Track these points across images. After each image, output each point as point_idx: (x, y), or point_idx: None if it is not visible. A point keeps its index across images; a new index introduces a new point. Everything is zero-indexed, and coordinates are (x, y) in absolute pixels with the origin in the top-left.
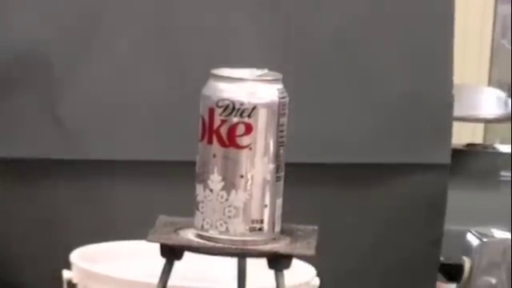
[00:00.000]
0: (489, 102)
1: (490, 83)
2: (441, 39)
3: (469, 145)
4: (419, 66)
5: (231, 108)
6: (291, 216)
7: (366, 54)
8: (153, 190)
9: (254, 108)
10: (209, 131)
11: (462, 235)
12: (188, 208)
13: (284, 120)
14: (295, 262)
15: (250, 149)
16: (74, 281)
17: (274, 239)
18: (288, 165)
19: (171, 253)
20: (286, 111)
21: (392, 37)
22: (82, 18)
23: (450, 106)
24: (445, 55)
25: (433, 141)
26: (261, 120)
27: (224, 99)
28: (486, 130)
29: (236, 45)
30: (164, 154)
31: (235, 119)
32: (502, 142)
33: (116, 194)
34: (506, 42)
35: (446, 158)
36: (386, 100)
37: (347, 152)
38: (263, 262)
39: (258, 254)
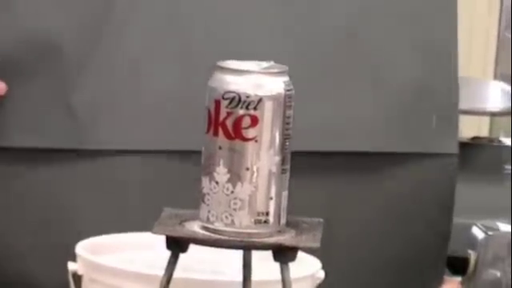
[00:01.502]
0: (494, 96)
1: (496, 77)
2: (445, 33)
3: (475, 138)
4: (425, 59)
5: (237, 100)
6: (297, 205)
7: (375, 47)
8: (161, 180)
9: (260, 100)
10: (214, 123)
11: (467, 229)
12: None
13: (290, 112)
14: (300, 254)
15: (256, 141)
16: (80, 272)
17: (280, 232)
18: (296, 153)
19: (176, 245)
20: (292, 103)
21: (399, 30)
22: (94, 8)
23: (455, 97)
24: (449, 48)
25: (440, 131)
26: (267, 112)
27: (230, 91)
28: (491, 123)
29: (245, 41)
30: (175, 144)
31: (241, 111)
32: (507, 136)
33: (124, 186)
34: (508, 34)
35: (454, 148)
36: (393, 91)
37: (356, 141)
38: (269, 254)
39: (264, 247)
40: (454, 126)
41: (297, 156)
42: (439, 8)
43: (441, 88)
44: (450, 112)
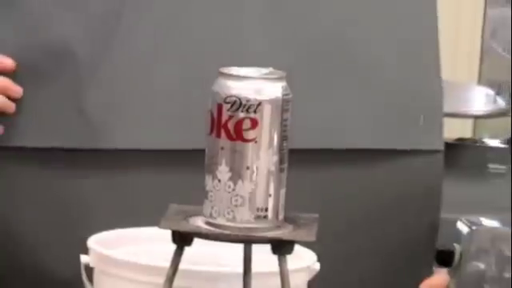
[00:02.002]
0: (478, 99)
1: (480, 82)
2: (428, 40)
3: (459, 139)
4: (411, 62)
5: (238, 104)
6: (293, 199)
7: (365, 52)
8: (169, 178)
9: (260, 104)
10: (217, 125)
11: (453, 223)
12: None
13: (287, 115)
14: (297, 247)
15: (256, 142)
16: (91, 265)
17: (278, 226)
18: (293, 150)
19: (182, 239)
20: (290, 107)
21: (387, 37)
22: (104, 16)
23: (440, 98)
24: (433, 54)
25: (427, 129)
26: (266, 115)
27: (231, 96)
28: (475, 126)
29: (244, 44)
30: (180, 144)
31: (242, 114)
32: (491, 137)
33: (134, 183)
34: (494, 43)
35: (439, 145)
36: (382, 92)
37: (348, 138)
38: (267, 247)
39: (263, 241)
40: (439, 124)
41: (292, 153)
42: (422, 17)
43: (426, 89)
44: (435, 112)
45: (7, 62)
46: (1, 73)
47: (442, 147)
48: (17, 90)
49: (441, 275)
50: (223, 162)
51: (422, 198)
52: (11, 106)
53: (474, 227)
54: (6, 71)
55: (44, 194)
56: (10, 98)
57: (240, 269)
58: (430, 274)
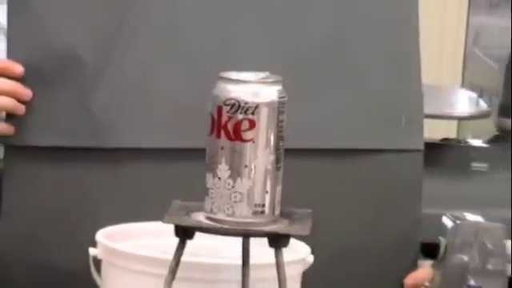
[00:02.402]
0: (462, 102)
1: (463, 85)
2: (410, 48)
3: (444, 139)
4: (395, 69)
5: (237, 106)
6: (287, 196)
7: (352, 59)
8: (172, 175)
9: (257, 106)
10: (217, 127)
11: (438, 218)
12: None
13: (283, 117)
14: (292, 241)
15: (254, 142)
16: (99, 257)
17: (274, 221)
18: (288, 150)
19: (184, 233)
20: (285, 109)
21: (372, 44)
22: (108, 24)
23: (420, 100)
24: (414, 61)
25: (408, 130)
26: (263, 117)
27: (231, 98)
28: (459, 126)
29: (241, 50)
30: (181, 142)
31: (240, 116)
32: (474, 137)
33: (138, 180)
34: (476, 49)
35: (420, 145)
36: (367, 97)
37: (336, 139)
38: (264, 241)
39: (260, 234)
40: (420, 125)
41: (287, 153)
42: (405, 26)
43: (408, 94)
44: (416, 114)
45: (17, 68)
46: (11, 77)
47: (421, 147)
48: (26, 93)
49: (425, 269)
50: (223, 160)
51: (404, 194)
52: (21, 108)
53: (458, 221)
54: (15, 76)
55: (53, 190)
56: (19, 100)
57: (239, 261)
58: (414, 266)
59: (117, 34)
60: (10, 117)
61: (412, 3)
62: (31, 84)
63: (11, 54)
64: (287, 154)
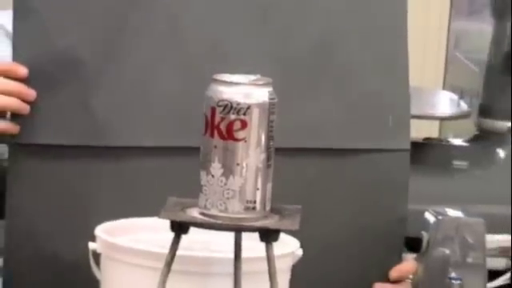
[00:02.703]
0: (444, 103)
1: (445, 87)
2: (398, 52)
3: (427, 138)
4: (383, 71)
5: (229, 107)
6: (278, 193)
7: (340, 61)
8: (168, 173)
9: (249, 107)
10: (211, 127)
11: (421, 214)
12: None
13: (273, 117)
14: (282, 235)
15: (245, 141)
16: (98, 251)
17: (265, 217)
18: (278, 149)
19: (179, 228)
20: (275, 110)
21: (360, 46)
22: (109, 28)
23: (407, 101)
24: (402, 63)
25: (395, 131)
26: (254, 117)
27: (223, 100)
28: (441, 126)
29: (235, 54)
30: (177, 141)
31: (233, 116)
32: (455, 136)
33: (136, 177)
34: (457, 53)
35: (406, 145)
36: (356, 97)
37: (325, 139)
38: (256, 235)
39: (252, 229)
40: (407, 126)
41: (277, 151)
42: (393, 32)
43: (395, 96)
44: (403, 115)
45: (21, 70)
46: (16, 79)
47: (408, 146)
48: (30, 94)
49: (409, 262)
50: (216, 159)
51: (391, 191)
52: (25, 108)
53: (440, 217)
54: (20, 77)
55: (55, 187)
56: (24, 100)
57: (231, 254)
58: (399, 260)
59: (117, 38)
60: (15, 116)
61: (401, 10)
62: (35, 85)
63: (16, 56)
64: (277, 153)
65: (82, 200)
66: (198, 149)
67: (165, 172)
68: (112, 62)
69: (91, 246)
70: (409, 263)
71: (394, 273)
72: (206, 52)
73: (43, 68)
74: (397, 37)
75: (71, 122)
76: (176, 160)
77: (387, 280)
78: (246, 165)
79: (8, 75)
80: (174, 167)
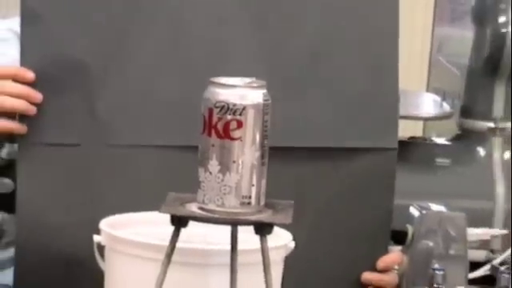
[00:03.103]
0: (427, 104)
1: (428, 89)
2: (388, 52)
3: (411, 138)
4: (373, 74)
5: (226, 108)
6: (272, 189)
7: (332, 64)
8: (168, 169)
9: (244, 108)
10: (208, 126)
11: (406, 208)
12: (194, 185)
13: (267, 117)
14: (276, 229)
15: (241, 140)
16: (103, 243)
17: (260, 211)
18: (272, 148)
19: (179, 221)
20: (269, 111)
21: (352, 50)
22: (113, 32)
23: (396, 103)
24: (392, 65)
25: (384, 130)
26: (249, 118)
27: (220, 101)
28: (425, 126)
29: (231, 57)
30: (176, 140)
31: (229, 117)
32: (438, 136)
33: (138, 174)
34: (440, 57)
35: (394, 144)
36: (346, 98)
37: (316, 138)
38: (251, 228)
39: (247, 223)
40: (395, 126)
41: (271, 150)
42: (385, 34)
43: (385, 96)
44: (392, 115)
45: (28, 74)
46: (24, 82)
47: (396, 146)
48: (37, 96)
49: (395, 253)
50: (214, 157)
51: (379, 188)
52: (32, 109)
53: (424, 211)
54: (27, 81)
55: (61, 183)
56: (31, 102)
57: (228, 246)
58: (386, 251)
59: (120, 42)
60: (23, 117)
61: (392, 15)
62: (42, 87)
63: (24, 61)
64: (271, 151)
65: (87, 195)
66: (196, 147)
67: (165, 169)
68: (115, 65)
69: (96, 238)
70: (394, 254)
71: (380, 263)
72: (204, 56)
73: (49, 72)
74: (387, 41)
75: (76, 122)
76: (176, 158)
77: (375, 270)
78: (242, 162)
79: (16, 79)
80: (173, 165)
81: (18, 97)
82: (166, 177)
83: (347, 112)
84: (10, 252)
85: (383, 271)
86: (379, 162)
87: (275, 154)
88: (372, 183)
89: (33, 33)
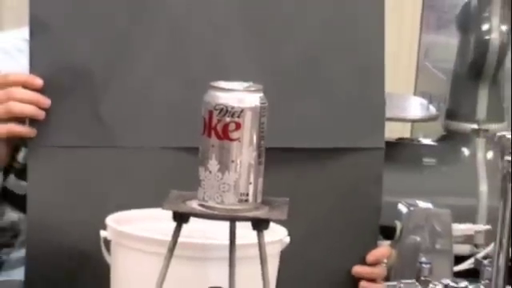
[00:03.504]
0: (414, 107)
1: (416, 93)
2: (375, 58)
3: (400, 139)
4: (360, 77)
5: (225, 111)
6: (268, 187)
7: (323, 69)
8: (169, 169)
9: (242, 111)
10: (208, 128)
11: (395, 205)
12: (195, 183)
13: (264, 120)
14: (272, 224)
15: (239, 141)
16: (109, 238)
17: (257, 208)
18: (266, 149)
19: (180, 218)
20: (266, 113)
21: (341, 56)
22: (116, 41)
23: (382, 105)
24: (378, 69)
25: (371, 131)
26: (247, 120)
27: (220, 104)
28: (412, 128)
29: (228, 63)
30: (178, 142)
31: (228, 119)
32: (424, 137)
33: (141, 173)
34: (427, 62)
35: (381, 144)
36: (337, 101)
37: (309, 139)
38: (248, 224)
39: (245, 219)
40: (382, 128)
41: (267, 150)
42: (371, 42)
43: (372, 99)
44: (379, 117)
45: (37, 81)
46: (33, 89)
47: (383, 145)
48: (45, 102)
49: (384, 247)
50: (213, 156)
51: (368, 185)
52: (41, 114)
53: (411, 208)
54: (36, 88)
55: (69, 183)
56: (40, 107)
57: (226, 241)
58: (375, 246)
59: (123, 50)
60: (32, 121)
61: (378, 24)
62: (50, 93)
63: (33, 69)
64: (267, 152)
65: (94, 194)
66: (196, 148)
67: (167, 169)
68: (119, 71)
69: (102, 233)
70: (383, 248)
71: (370, 257)
72: (203, 62)
73: (57, 79)
74: (374, 47)
75: (82, 125)
76: (177, 158)
77: (365, 263)
78: (240, 162)
79: (26, 86)
80: (175, 164)
81: (27, 102)
82: (168, 176)
83: (337, 114)
84: None
85: (373, 264)
86: (368, 160)
87: (271, 155)
88: (361, 181)
89: (41, 42)
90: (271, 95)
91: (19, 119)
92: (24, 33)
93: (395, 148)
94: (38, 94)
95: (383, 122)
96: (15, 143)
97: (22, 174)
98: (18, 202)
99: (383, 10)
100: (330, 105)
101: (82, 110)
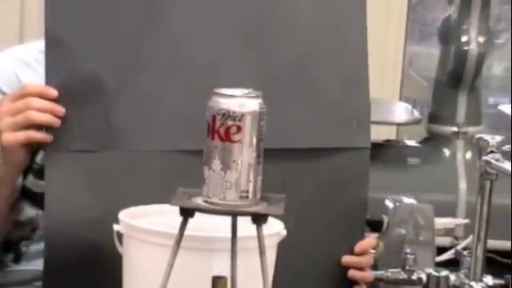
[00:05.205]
0: (400, 111)
1: (401, 99)
2: (360, 66)
3: (386, 140)
4: (346, 83)
5: (227, 115)
6: (265, 185)
7: (312, 74)
8: (176, 170)
9: (243, 115)
10: (212, 131)
11: (382, 201)
12: (199, 182)
13: (263, 123)
14: (270, 219)
15: (240, 143)
16: (121, 232)
17: (256, 204)
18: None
19: (187, 213)
20: (264, 117)
21: (329, 63)
22: (125, 53)
23: (367, 108)
24: (362, 76)
25: (358, 132)
26: (247, 123)
27: (222, 109)
28: (398, 130)
29: (225, 72)
30: (184, 145)
31: (230, 122)
32: (409, 139)
33: (150, 173)
34: (411, 71)
35: (367, 143)
36: (325, 105)
37: (300, 140)
38: (248, 218)
39: (245, 214)
40: (367, 128)
41: (265, 151)
42: (357, 50)
43: (358, 103)
44: (365, 119)
45: (52, 91)
46: (48, 99)
47: (369, 145)
48: (60, 110)
49: (370, 239)
50: (216, 157)
51: (355, 182)
52: (57, 122)
53: (397, 203)
54: (51, 98)
55: (84, 184)
56: (55, 115)
57: (228, 234)
58: (362, 237)
59: (132, 62)
60: (49, 128)
61: (361, 34)
62: (65, 101)
63: (48, 80)
64: (265, 152)
65: (107, 192)
66: (200, 150)
67: (174, 169)
68: (128, 81)
69: (115, 227)
70: (369, 239)
71: (357, 248)
72: (204, 71)
73: (71, 88)
74: (358, 56)
75: (95, 131)
76: (183, 159)
77: (353, 254)
78: (241, 161)
79: (42, 96)
80: (181, 165)
81: (44, 111)
82: (175, 175)
83: (326, 117)
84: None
85: (360, 254)
86: (355, 159)
87: (267, 155)
88: (349, 178)
89: (56, 55)
90: (263, 99)
91: (37, 126)
92: (42, 44)
93: (382, 149)
94: (53, 104)
95: (369, 124)
96: (34, 147)
97: (39, 173)
98: (36, 199)
99: (365, 20)
100: (319, 108)
101: (95, 116)
